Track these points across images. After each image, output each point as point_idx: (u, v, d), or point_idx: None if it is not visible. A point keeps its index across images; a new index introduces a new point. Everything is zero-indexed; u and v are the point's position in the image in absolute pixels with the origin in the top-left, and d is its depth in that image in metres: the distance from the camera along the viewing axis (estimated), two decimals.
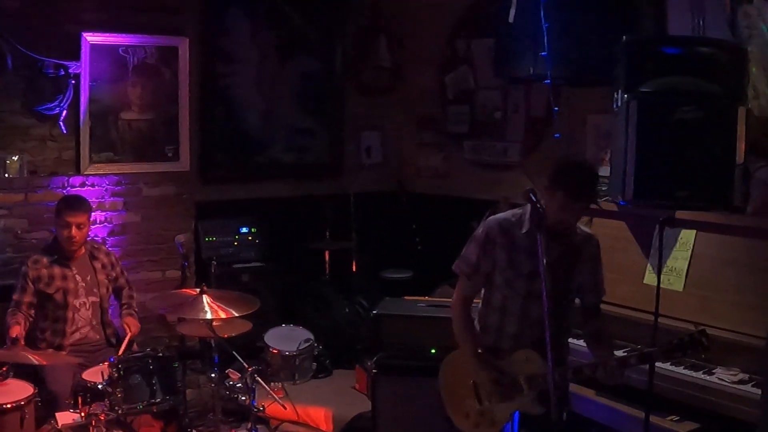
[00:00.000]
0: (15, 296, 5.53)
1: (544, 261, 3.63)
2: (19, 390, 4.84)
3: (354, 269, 7.82)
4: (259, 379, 5.50)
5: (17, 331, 5.28)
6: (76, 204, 5.66)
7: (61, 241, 5.58)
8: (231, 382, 5.40)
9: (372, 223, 7.98)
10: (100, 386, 4.66)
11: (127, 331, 5.65)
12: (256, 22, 7.71)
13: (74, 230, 5.53)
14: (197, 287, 5.24)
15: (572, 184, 3.84)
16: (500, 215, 4.19)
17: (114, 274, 5.86)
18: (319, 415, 6.02)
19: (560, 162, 4.08)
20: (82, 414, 4.52)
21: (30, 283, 5.51)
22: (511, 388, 4.00)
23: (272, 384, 5.91)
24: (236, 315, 5.07)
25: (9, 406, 4.67)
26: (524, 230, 4.00)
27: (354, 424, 5.96)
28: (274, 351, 6.24)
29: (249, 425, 5.38)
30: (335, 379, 6.99)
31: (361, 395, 6.49)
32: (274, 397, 5.70)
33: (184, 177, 6.99)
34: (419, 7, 8.16)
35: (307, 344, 6.36)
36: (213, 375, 5.22)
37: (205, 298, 5.01)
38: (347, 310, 7.54)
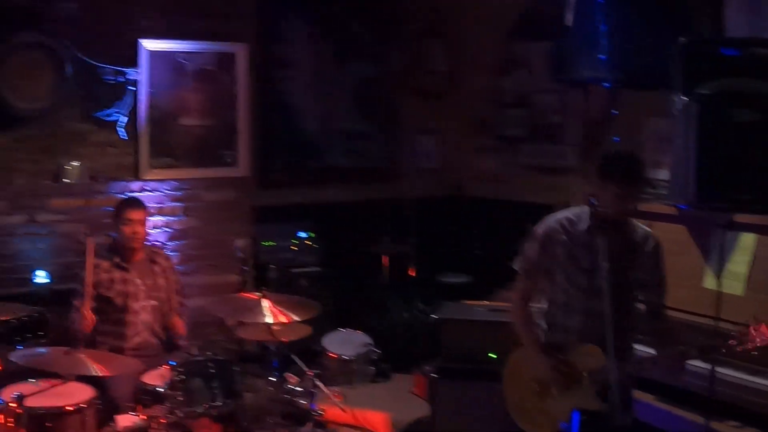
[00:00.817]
0: (76, 301, 5.56)
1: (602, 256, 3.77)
2: (80, 392, 4.86)
3: (412, 274, 7.77)
4: (320, 383, 5.46)
5: (87, 325, 5.32)
6: (135, 202, 5.78)
7: (125, 241, 5.62)
8: (289, 386, 5.37)
9: (429, 227, 7.93)
10: (160, 389, 4.68)
11: (179, 331, 5.78)
12: (312, 28, 7.73)
13: (136, 226, 5.59)
14: (257, 291, 5.22)
15: (620, 172, 3.93)
16: (559, 213, 4.24)
17: (174, 278, 5.89)
18: (377, 419, 5.96)
19: (605, 155, 4.17)
20: (143, 417, 4.53)
21: (90, 288, 5.54)
22: (573, 378, 4.03)
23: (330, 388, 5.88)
24: (296, 319, 5.09)
25: (70, 408, 4.70)
26: (583, 227, 4.07)
27: (413, 429, 5.94)
28: (333, 355, 6.20)
29: (307, 429, 5.34)
30: (393, 383, 6.94)
31: (420, 400, 6.43)
32: (334, 401, 5.65)
33: (242, 182, 7.05)
34: (474, 11, 8.10)
35: (365, 349, 6.30)
36: (272, 379, 5.22)
37: (266, 303, 5.01)
38: (405, 314, 7.51)
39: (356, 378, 6.20)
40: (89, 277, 5.33)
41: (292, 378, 5.39)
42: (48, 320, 3.53)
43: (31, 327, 3.51)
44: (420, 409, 6.09)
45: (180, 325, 5.79)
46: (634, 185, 3.99)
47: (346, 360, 6.19)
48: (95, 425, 4.85)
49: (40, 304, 5.20)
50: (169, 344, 5.75)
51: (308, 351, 6.02)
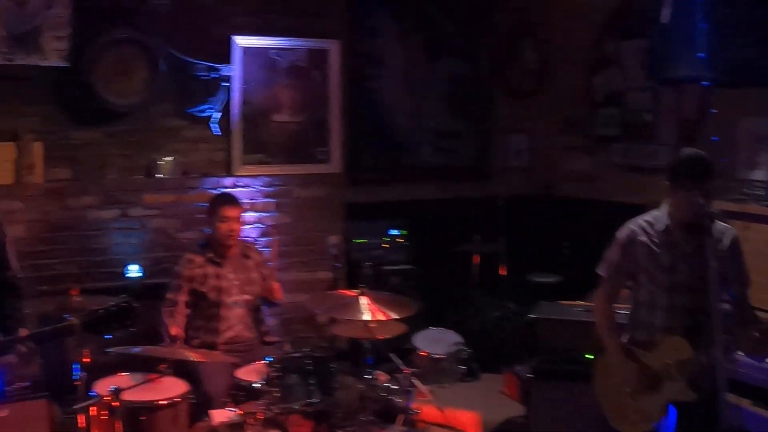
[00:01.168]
0: (169, 295, 5.58)
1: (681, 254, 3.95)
2: (174, 387, 4.91)
3: (502, 273, 7.67)
4: (416, 382, 5.38)
5: (176, 330, 5.37)
6: (231, 198, 5.76)
7: (220, 237, 5.61)
8: (385, 384, 5.30)
9: (519, 226, 7.82)
10: (256, 385, 4.65)
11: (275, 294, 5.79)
12: (403, 25, 7.68)
13: (233, 223, 5.57)
14: (355, 289, 5.16)
15: (687, 175, 3.99)
16: (639, 217, 4.30)
17: (266, 272, 5.85)
18: (467, 418, 5.87)
19: (674, 157, 4.19)
20: (239, 412, 4.50)
21: (183, 283, 5.55)
22: (659, 376, 4.07)
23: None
24: (394, 317, 5.03)
25: (163, 403, 4.74)
26: (660, 227, 4.15)
27: (503, 429, 5.87)
28: (423, 353, 6.15)
29: (399, 427, 5.26)
30: (483, 383, 6.85)
31: (510, 400, 6.34)
32: (428, 399, 5.57)
33: (334, 179, 7.03)
34: (566, 8, 8.01)
35: (455, 348, 6.30)
36: (368, 376, 5.16)
37: (364, 300, 4.96)
38: (495, 313, 7.41)
39: (446, 377, 6.21)
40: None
41: (381, 376, 5.33)
42: (136, 311, 3.50)
43: (120, 317, 3.49)
44: (510, 409, 6.04)
45: (277, 288, 5.79)
46: (702, 186, 4.00)
47: (436, 358, 6.17)
48: (188, 420, 4.87)
49: (134, 298, 5.18)
50: (260, 339, 5.72)
51: (398, 349, 5.96)
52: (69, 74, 6.31)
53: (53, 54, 6.23)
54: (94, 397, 4.84)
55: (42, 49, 6.21)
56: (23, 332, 3.51)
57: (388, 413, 5.53)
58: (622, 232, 4.30)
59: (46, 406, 5.22)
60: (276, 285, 5.82)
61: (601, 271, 4.40)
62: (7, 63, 6.16)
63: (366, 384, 5.13)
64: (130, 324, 3.49)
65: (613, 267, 4.33)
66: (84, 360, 4.94)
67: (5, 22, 6.14)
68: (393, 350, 5.58)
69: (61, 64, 6.25)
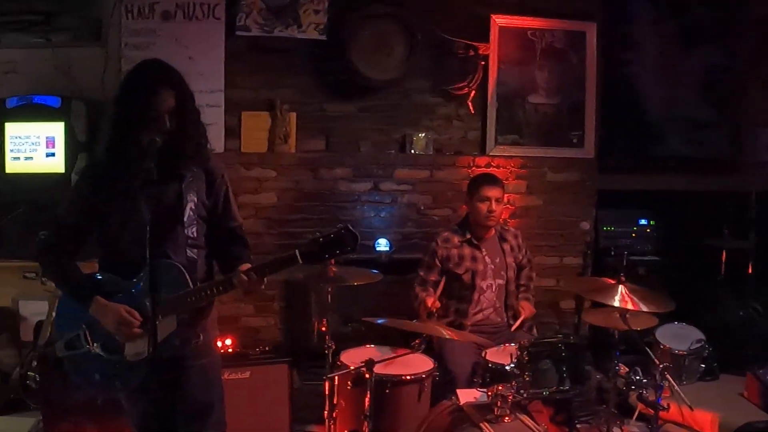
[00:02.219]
0: (422, 273, 5.56)
1: None
2: (420, 364, 4.94)
3: (750, 271, 7.33)
4: (669, 377, 5.17)
5: (431, 301, 5.32)
6: (493, 179, 5.65)
7: (479, 218, 5.53)
8: (631, 377, 5.11)
9: None
10: (507, 368, 4.56)
11: (521, 312, 5.55)
12: (659, 10, 7.48)
13: (493, 204, 5.48)
14: (613, 278, 4.98)
15: None
16: None
17: (520, 256, 5.75)
18: (705, 419, 5.64)
19: None
20: (489, 393, 4.40)
21: (438, 262, 5.53)
22: None
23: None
24: (654, 311, 4.90)
25: (408, 377, 4.78)
26: None
27: None
28: (665, 347, 5.92)
29: (637, 423, 5.20)
30: (722, 383, 6.50)
31: (750, 404, 6.01)
32: (682, 397, 5.36)
33: (587, 164, 6.87)
34: None
35: (698, 345, 6.05)
36: (616, 368, 5.00)
37: (621, 289, 4.79)
38: (740, 313, 7.08)
39: (685, 374, 5.97)
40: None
41: (623, 368, 5.15)
42: (355, 237, 3.48)
43: (339, 243, 3.47)
44: (750, 413, 5.68)
45: (527, 307, 5.63)
46: None
47: (677, 354, 5.95)
48: (432, 397, 4.89)
49: (381, 272, 5.20)
50: (508, 324, 5.63)
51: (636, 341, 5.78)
52: (326, 47, 6.41)
53: (311, 27, 6.35)
54: (341, 366, 4.86)
55: (300, 22, 6.32)
56: (244, 266, 3.50)
57: (626, 406, 5.36)
58: None
59: (287, 371, 5.31)
60: (526, 304, 5.68)
61: None
62: (266, 35, 6.28)
63: (609, 375, 5.00)
64: (349, 250, 3.46)
65: None
66: (322, 329, 4.97)
67: None
68: (630, 342, 5.38)
69: (319, 37, 6.34)
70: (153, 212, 3.34)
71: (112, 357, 3.54)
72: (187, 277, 3.54)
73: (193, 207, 3.63)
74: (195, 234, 3.65)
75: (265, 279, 3.52)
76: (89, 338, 3.59)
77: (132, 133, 3.43)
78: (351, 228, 3.46)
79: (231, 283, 3.50)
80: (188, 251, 3.62)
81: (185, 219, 3.61)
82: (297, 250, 3.45)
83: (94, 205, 3.56)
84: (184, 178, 3.62)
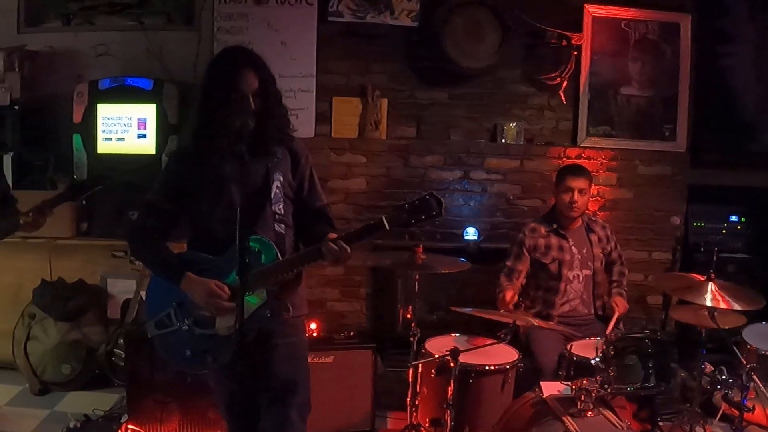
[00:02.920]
0: (508, 263, 5.53)
1: None
2: (505, 354, 4.95)
3: None
4: (755, 378, 5.06)
5: (510, 296, 5.29)
6: (578, 169, 5.59)
7: (562, 208, 5.50)
8: (718, 376, 5.01)
9: None
10: (592, 362, 4.48)
11: (615, 309, 5.44)
12: (755, 3, 7.26)
13: (576, 195, 5.42)
14: (703, 274, 4.88)
15: None
16: None
17: (609, 248, 5.68)
18: None
19: None
20: (573, 387, 4.35)
21: (526, 252, 5.51)
22: None
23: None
24: (744, 309, 4.78)
25: (492, 368, 4.79)
26: None
27: None
28: (752, 348, 5.79)
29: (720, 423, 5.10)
30: None
31: None
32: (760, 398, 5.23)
33: (678, 158, 6.76)
34: None
35: None
36: (701, 366, 4.95)
37: (711, 286, 4.69)
38: None
39: None
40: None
41: (708, 367, 5.08)
42: (440, 203, 3.45)
43: (423, 210, 3.45)
44: None
45: (620, 302, 5.53)
46: None
47: (764, 355, 5.77)
48: (515, 388, 4.89)
49: (469, 261, 5.21)
50: (596, 315, 5.57)
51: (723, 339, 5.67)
52: (418, 34, 6.43)
53: (403, 14, 6.36)
54: (425, 354, 4.84)
55: (393, 8, 6.33)
56: (331, 235, 3.50)
57: (710, 406, 5.27)
58: None
59: (371, 356, 5.31)
60: (620, 300, 5.58)
61: None
62: (358, 20, 6.31)
63: (694, 373, 4.96)
64: (435, 215, 3.44)
65: None
66: (408, 316, 4.96)
67: None
68: (714, 340, 5.34)
69: (411, 24, 6.35)
70: (242, 192, 3.41)
71: (204, 332, 3.60)
72: (276, 251, 3.59)
73: (279, 185, 3.69)
74: (282, 210, 3.70)
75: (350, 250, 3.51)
76: (179, 315, 3.66)
77: (219, 116, 3.50)
78: (436, 194, 3.43)
79: (319, 252, 3.51)
80: (276, 226, 3.68)
81: (272, 196, 3.67)
82: (384, 216, 3.44)
83: (183, 188, 3.66)
84: (270, 158, 3.68)
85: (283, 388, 3.75)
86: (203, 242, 3.68)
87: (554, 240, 5.50)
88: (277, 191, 3.68)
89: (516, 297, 5.34)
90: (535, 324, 4.77)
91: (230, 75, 3.53)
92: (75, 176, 6.42)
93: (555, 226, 5.53)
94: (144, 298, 3.88)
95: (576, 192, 5.42)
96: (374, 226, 3.47)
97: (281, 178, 3.70)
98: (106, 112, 6.50)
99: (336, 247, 3.46)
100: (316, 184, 3.90)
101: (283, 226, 3.70)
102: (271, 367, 3.73)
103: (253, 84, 3.54)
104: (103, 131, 6.51)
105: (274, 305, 3.61)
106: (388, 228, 3.42)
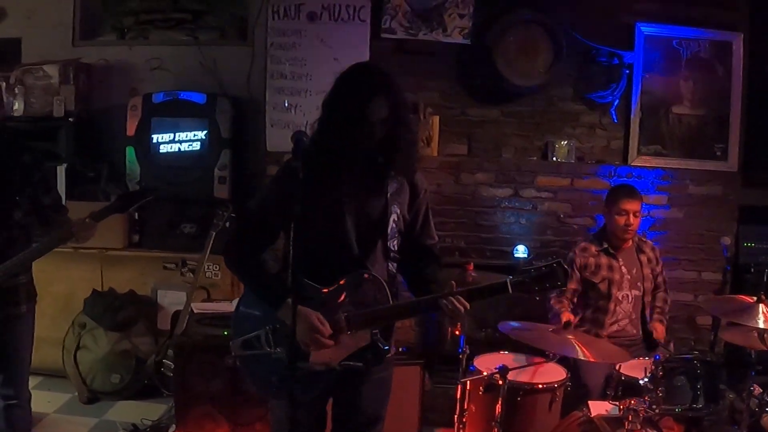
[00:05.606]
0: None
1: None
2: (553, 373, 4.93)
3: None
4: None
5: (568, 316, 5.29)
6: (632, 192, 5.56)
7: (615, 230, 5.49)
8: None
9: None
10: (640, 382, 4.46)
11: (653, 333, 5.46)
12: None
13: (631, 218, 5.42)
14: (753, 296, 4.84)
15: None
16: None
17: (657, 271, 5.66)
18: None
19: None
20: (621, 407, 4.35)
21: (576, 270, 5.49)
22: None
23: None
24: None
25: (541, 386, 4.78)
26: None
27: None
28: None
29: None
30: None
31: None
32: None
33: (730, 178, 6.72)
34: None
35: None
36: (750, 388, 4.83)
37: (762, 308, 4.62)
38: None
39: None
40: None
41: (757, 389, 5.02)
42: (566, 272, 3.38)
43: (549, 278, 3.38)
44: None
45: (659, 329, 5.52)
46: None
47: None
48: (563, 406, 4.86)
49: None
50: (646, 339, 5.53)
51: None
52: (470, 52, 6.45)
53: (455, 31, 6.41)
54: (474, 371, 4.84)
55: (445, 25, 6.37)
56: (452, 287, 3.40)
57: (758, 429, 5.24)
58: None
59: (420, 372, 5.32)
60: (659, 326, 5.56)
61: None
62: (410, 38, 6.34)
63: (743, 395, 4.83)
64: (560, 286, 3.38)
65: None
66: (456, 333, 4.96)
67: None
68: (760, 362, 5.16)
69: (463, 41, 6.38)
70: (357, 223, 3.34)
71: (296, 364, 3.33)
72: (388, 291, 3.43)
73: (396, 219, 3.49)
74: (395, 247, 3.52)
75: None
76: (272, 341, 3.46)
77: (341, 139, 3.31)
78: (563, 263, 3.35)
79: (437, 305, 3.37)
80: (389, 265, 3.52)
81: (388, 231, 3.48)
82: (508, 280, 3.34)
83: (291, 206, 3.21)
84: (390, 189, 3.47)
85: (366, 423, 3.66)
86: (305, 267, 3.31)
87: (604, 259, 5.49)
88: (393, 225, 3.48)
89: (572, 317, 5.35)
90: (581, 357, 4.71)
91: (357, 100, 3.27)
92: (128, 188, 6.50)
93: (606, 245, 5.52)
94: (235, 310, 3.67)
95: (631, 215, 5.42)
96: (497, 288, 3.36)
97: (398, 211, 3.49)
98: (159, 125, 6.57)
99: (458, 304, 3.34)
100: (430, 221, 3.69)
101: (395, 264, 3.53)
102: (359, 403, 3.61)
103: (383, 112, 3.28)
104: (157, 144, 6.59)
105: (376, 347, 3.43)
106: (510, 292, 3.33)
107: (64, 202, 4.74)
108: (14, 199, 4.28)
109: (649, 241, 5.85)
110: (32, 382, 4.67)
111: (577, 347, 4.62)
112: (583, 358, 4.63)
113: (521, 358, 5.09)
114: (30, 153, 4.39)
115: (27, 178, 4.29)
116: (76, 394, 6.23)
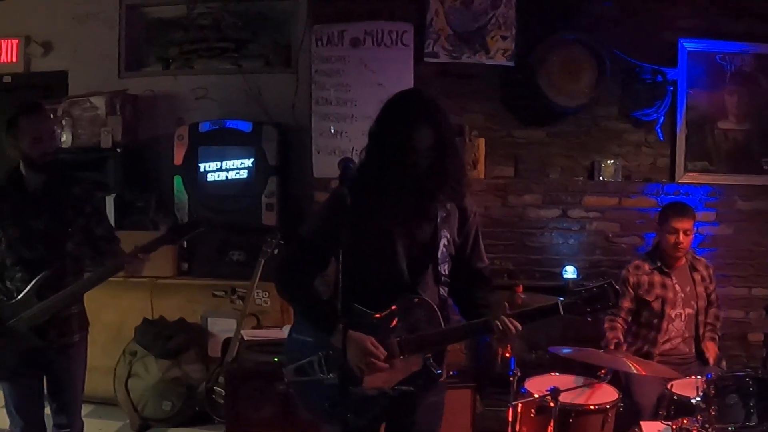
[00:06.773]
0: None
1: None
2: (605, 394, 4.89)
3: None
4: None
5: (617, 337, 5.29)
6: (684, 210, 5.52)
7: (667, 248, 5.46)
8: None
9: None
10: (693, 401, 4.43)
11: (706, 354, 5.43)
12: None
13: (681, 236, 5.39)
14: None
15: None
16: None
17: (710, 289, 5.62)
18: None
19: None
20: (673, 427, 4.31)
21: (629, 289, 5.47)
22: None
23: None
24: None
25: (593, 407, 4.73)
26: None
27: None
28: None
29: None
30: None
31: None
32: None
33: None
34: None
35: None
36: None
37: None
38: None
39: None
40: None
41: None
42: (617, 293, 3.38)
43: (601, 299, 3.37)
44: None
45: (712, 348, 5.49)
46: None
47: None
48: (615, 427, 4.81)
49: None
50: (699, 357, 5.50)
51: None
52: (514, 73, 6.47)
53: (498, 53, 6.44)
54: (525, 393, 4.83)
55: (488, 48, 6.40)
56: (504, 309, 3.51)
57: None
58: None
59: (471, 395, 5.31)
60: (711, 346, 5.53)
61: None
62: (454, 61, 6.37)
63: None
64: (611, 306, 3.37)
65: None
66: (506, 355, 4.95)
67: (452, 20, 6.35)
68: None
69: (507, 63, 6.40)
70: (407, 249, 3.35)
71: (349, 389, 3.39)
72: (439, 316, 3.43)
73: (446, 243, 3.48)
74: (446, 271, 3.51)
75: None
76: (325, 367, 3.44)
77: (389, 167, 3.31)
78: (614, 283, 3.35)
79: (489, 326, 3.37)
80: (441, 290, 3.51)
81: (439, 256, 3.48)
82: (560, 301, 3.35)
83: (341, 234, 3.37)
84: (440, 214, 3.47)
85: None
86: (356, 293, 3.39)
87: (658, 278, 5.47)
88: (443, 249, 3.47)
89: (622, 337, 5.34)
90: (634, 371, 4.71)
91: (404, 130, 3.27)
92: (177, 217, 6.55)
93: (659, 263, 5.49)
94: (288, 337, 3.67)
95: (681, 233, 5.39)
96: (548, 310, 3.38)
97: (448, 235, 3.49)
98: (206, 154, 6.63)
99: (510, 326, 3.33)
100: (480, 244, 3.67)
101: (446, 289, 3.52)
102: (412, 428, 3.59)
103: (429, 140, 3.28)
104: (204, 173, 6.64)
105: (429, 371, 3.42)
106: (562, 314, 3.34)
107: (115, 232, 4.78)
108: (66, 231, 4.36)
109: (702, 258, 5.80)
110: (84, 410, 4.72)
111: (628, 363, 4.63)
112: (635, 372, 4.63)
113: (572, 379, 5.06)
114: (80, 184, 4.47)
115: (78, 209, 4.38)
116: (128, 421, 6.28)
